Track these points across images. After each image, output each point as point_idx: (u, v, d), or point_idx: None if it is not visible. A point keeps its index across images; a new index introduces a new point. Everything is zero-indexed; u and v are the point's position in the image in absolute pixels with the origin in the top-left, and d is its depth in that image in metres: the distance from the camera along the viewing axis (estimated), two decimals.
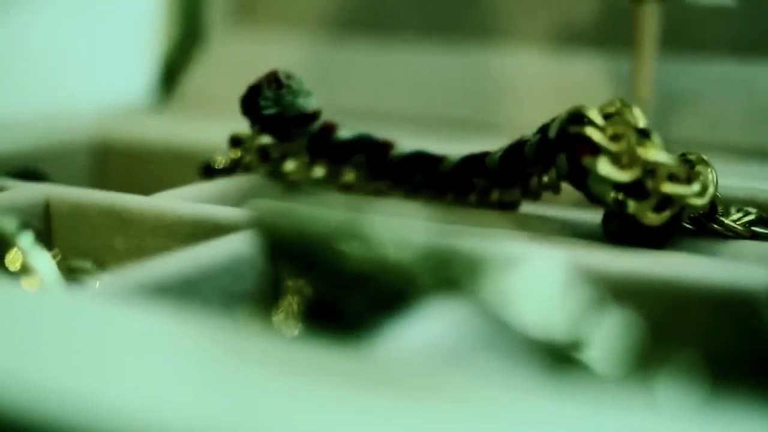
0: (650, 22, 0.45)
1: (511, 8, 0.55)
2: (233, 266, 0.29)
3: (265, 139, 0.39)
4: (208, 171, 0.41)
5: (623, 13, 0.50)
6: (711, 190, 0.31)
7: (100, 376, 0.18)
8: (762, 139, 0.47)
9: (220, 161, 0.41)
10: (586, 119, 0.31)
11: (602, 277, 0.27)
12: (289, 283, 0.27)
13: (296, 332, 0.25)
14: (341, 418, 0.17)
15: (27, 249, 0.27)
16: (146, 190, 0.37)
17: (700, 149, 0.32)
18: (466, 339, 0.22)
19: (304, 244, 0.23)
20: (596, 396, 0.17)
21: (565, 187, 0.33)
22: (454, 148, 0.37)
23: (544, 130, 0.32)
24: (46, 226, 0.35)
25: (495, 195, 0.36)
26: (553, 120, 0.32)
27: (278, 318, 0.26)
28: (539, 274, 0.21)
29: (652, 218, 0.30)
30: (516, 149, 0.34)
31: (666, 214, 0.30)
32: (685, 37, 0.51)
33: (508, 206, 0.36)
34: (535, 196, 0.35)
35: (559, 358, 0.21)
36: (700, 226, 0.33)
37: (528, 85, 0.53)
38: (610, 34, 0.53)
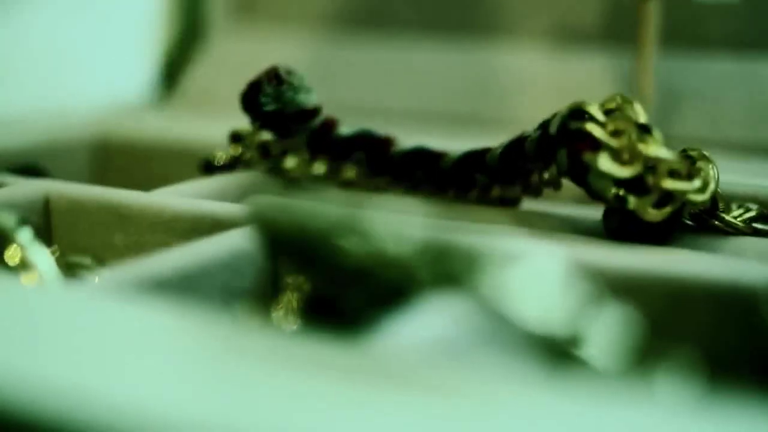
0: (652, 19, 0.45)
1: (513, 5, 0.55)
2: (233, 262, 0.28)
3: (266, 136, 0.39)
4: (208, 167, 0.41)
5: (626, 11, 0.50)
6: (712, 186, 0.31)
7: (98, 371, 0.18)
8: (764, 136, 0.47)
9: (220, 158, 0.41)
10: (587, 115, 0.31)
11: (602, 272, 0.27)
12: (289, 279, 0.27)
13: (295, 328, 0.25)
14: (340, 412, 0.17)
15: (26, 244, 0.27)
16: (146, 187, 0.37)
17: (702, 146, 0.32)
18: (465, 334, 0.22)
19: (303, 239, 0.23)
20: (595, 391, 0.17)
21: (566, 183, 0.33)
22: (456, 144, 0.37)
23: (544, 126, 0.32)
24: (46, 222, 0.35)
25: (496, 191, 0.36)
26: (553, 116, 0.32)
27: (277, 313, 0.25)
28: (539, 270, 0.21)
29: (653, 214, 0.30)
30: (517, 145, 0.34)
31: (667, 210, 0.30)
32: (687, 34, 0.51)
33: (508, 202, 0.36)
34: (535, 192, 0.35)
35: (558, 353, 0.21)
36: (701, 223, 0.33)
37: (530, 83, 0.53)
38: (612, 31, 0.53)
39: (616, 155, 0.30)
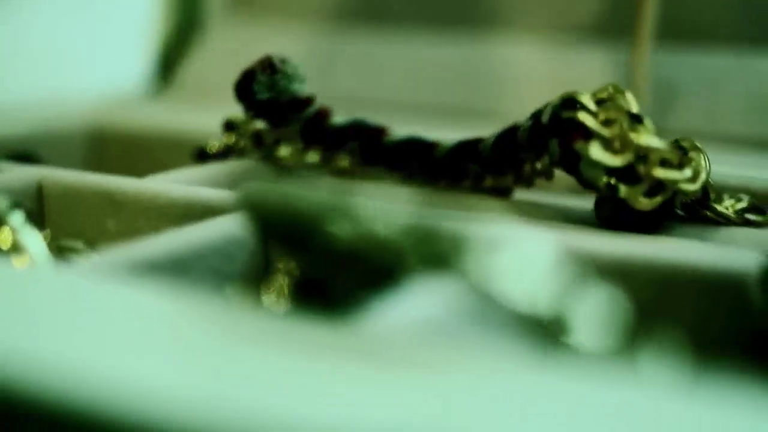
0: (650, 13, 0.45)
1: None
2: (224, 247, 0.29)
3: (259, 125, 0.39)
4: (202, 156, 0.41)
5: (622, 4, 0.50)
6: (703, 176, 0.31)
7: (89, 351, 0.18)
8: (760, 129, 0.47)
9: (214, 146, 0.41)
10: (578, 104, 0.31)
11: (591, 258, 0.27)
12: (280, 263, 0.27)
13: (286, 310, 0.25)
14: (330, 391, 0.17)
15: (18, 227, 0.27)
16: (142, 177, 0.37)
17: (698, 139, 0.32)
18: (455, 316, 0.22)
19: (293, 223, 0.23)
20: (584, 371, 0.17)
21: (559, 174, 0.33)
22: (452, 136, 0.37)
23: (537, 115, 0.32)
24: (39, 208, 0.35)
25: (488, 181, 0.36)
26: (545, 105, 0.32)
27: (268, 297, 0.26)
28: (528, 253, 0.21)
29: (644, 203, 0.30)
30: (509, 135, 0.34)
31: (658, 200, 0.30)
32: (684, 28, 0.51)
33: (501, 192, 0.36)
34: (528, 182, 0.35)
35: (547, 334, 0.21)
36: (693, 213, 0.33)
37: (527, 76, 0.53)
38: (609, 24, 0.53)
39: (607, 144, 0.30)
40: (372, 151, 0.38)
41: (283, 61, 0.38)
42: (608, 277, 0.26)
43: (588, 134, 0.30)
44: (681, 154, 0.31)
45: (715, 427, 0.16)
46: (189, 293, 0.22)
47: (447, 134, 0.38)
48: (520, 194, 0.37)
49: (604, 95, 0.31)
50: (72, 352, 0.18)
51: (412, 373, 0.17)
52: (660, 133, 0.31)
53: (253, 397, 0.16)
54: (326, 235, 0.23)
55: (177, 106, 0.55)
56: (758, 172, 0.37)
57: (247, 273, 0.29)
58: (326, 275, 0.24)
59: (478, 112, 0.53)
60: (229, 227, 0.29)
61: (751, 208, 0.33)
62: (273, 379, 0.17)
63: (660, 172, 0.30)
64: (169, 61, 0.65)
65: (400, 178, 0.38)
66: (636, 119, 0.31)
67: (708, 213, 0.33)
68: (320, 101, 0.38)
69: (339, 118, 0.38)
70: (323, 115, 0.38)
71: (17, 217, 0.28)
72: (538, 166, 0.35)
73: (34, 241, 0.28)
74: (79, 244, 0.30)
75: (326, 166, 0.39)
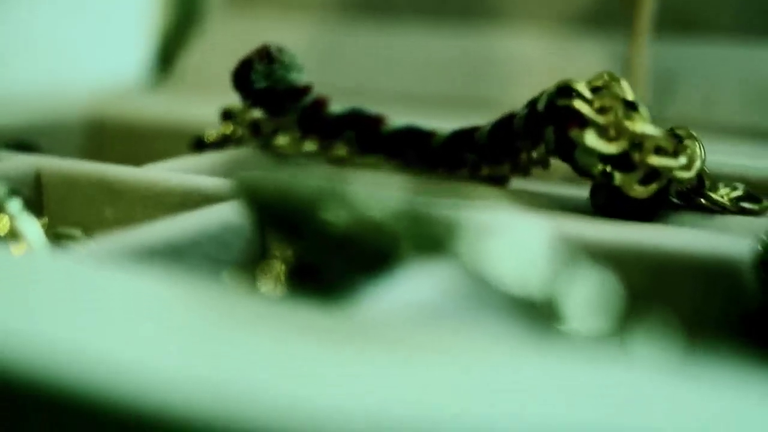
0: (647, 3, 0.45)
1: None
2: (220, 234, 0.29)
3: (257, 114, 0.40)
4: (200, 145, 0.41)
5: None
6: (698, 163, 0.31)
7: (86, 336, 0.18)
8: (758, 119, 0.47)
9: (212, 135, 0.41)
10: (574, 92, 0.31)
11: (585, 244, 0.27)
12: (276, 251, 0.27)
13: (281, 296, 0.25)
14: (326, 374, 0.17)
15: (15, 214, 0.28)
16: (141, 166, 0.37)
17: (695, 129, 0.32)
18: (449, 300, 0.22)
19: (288, 210, 0.24)
20: (578, 353, 0.18)
21: (556, 162, 0.33)
22: (454, 125, 0.37)
23: (532, 103, 0.33)
24: (38, 196, 0.35)
25: (485, 170, 0.36)
26: (541, 93, 0.32)
27: (264, 282, 0.26)
28: (521, 237, 0.21)
29: (639, 191, 0.30)
30: (505, 123, 0.34)
31: (653, 187, 0.30)
32: (682, 18, 0.51)
33: (497, 181, 0.36)
34: (524, 171, 0.36)
35: (541, 318, 0.21)
36: (688, 201, 0.33)
37: (527, 67, 0.53)
38: (607, 15, 0.53)
39: (602, 132, 0.31)
40: (369, 139, 0.38)
41: (280, 50, 0.38)
42: (602, 263, 0.26)
43: (583, 122, 0.31)
44: (676, 141, 0.31)
45: (707, 408, 0.16)
46: (185, 279, 0.22)
47: (448, 124, 0.38)
48: (517, 183, 0.37)
49: (599, 83, 0.31)
50: (69, 336, 0.18)
51: (406, 355, 0.18)
52: (658, 123, 0.31)
53: (249, 379, 0.17)
54: (321, 221, 0.23)
55: (176, 98, 0.56)
56: (754, 161, 0.37)
57: (243, 260, 0.29)
58: (321, 261, 0.24)
59: (478, 103, 0.53)
60: (226, 215, 0.29)
61: (746, 197, 0.34)
62: (268, 361, 0.17)
63: (655, 160, 0.30)
64: (169, 53, 0.65)
65: (397, 167, 0.38)
66: (631, 107, 0.31)
67: (703, 201, 0.33)
68: (321, 93, 0.39)
69: (336, 106, 0.39)
70: (320, 104, 0.38)
71: (15, 205, 0.28)
72: (534, 155, 0.35)
73: (32, 228, 0.28)
74: (76, 232, 0.30)
75: (324, 154, 0.39)
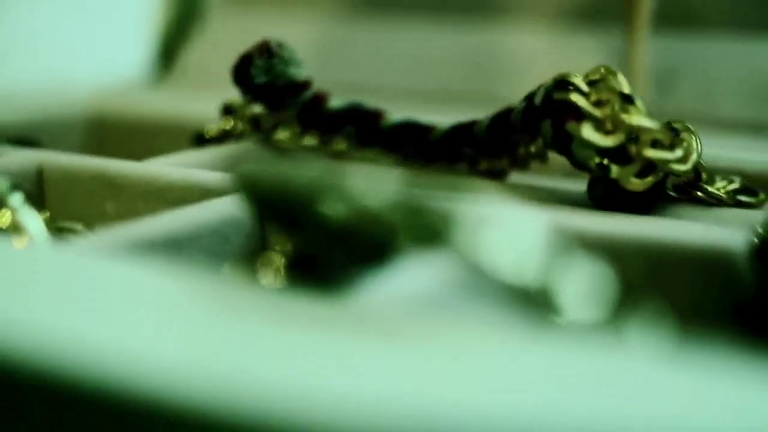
0: None
1: None
2: (220, 228, 0.29)
3: (257, 109, 0.40)
4: (200, 140, 0.41)
5: None
6: (694, 156, 0.31)
7: (87, 326, 0.18)
8: (756, 113, 0.48)
9: (212, 130, 0.41)
10: (571, 86, 0.31)
11: (582, 236, 0.27)
12: (275, 244, 0.27)
13: (281, 288, 0.25)
14: (324, 361, 0.17)
15: (17, 207, 0.28)
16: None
17: (694, 123, 0.32)
18: (447, 291, 0.22)
19: (286, 202, 0.24)
20: (574, 342, 0.18)
21: (555, 156, 0.33)
22: (454, 120, 0.37)
23: (530, 97, 0.33)
24: (39, 191, 0.35)
25: (483, 164, 0.36)
26: (539, 87, 0.32)
27: (264, 276, 0.26)
28: (518, 228, 0.21)
29: (636, 183, 0.31)
30: (503, 117, 0.34)
31: (649, 180, 0.31)
32: (681, 12, 0.51)
33: (496, 175, 0.37)
34: (523, 164, 0.36)
35: (537, 308, 0.21)
36: (685, 194, 0.33)
37: (527, 62, 0.53)
38: (607, 10, 0.53)
39: (599, 125, 0.31)
40: (368, 134, 0.38)
41: (280, 45, 0.38)
42: (600, 255, 0.26)
43: (580, 115, 0.31)
44: (673, 134, 0.31)
45: (703, 396, 0.16)
46: (185, 271, 0.22)
47: (449, 119, 0.38)
48: (516, 177, 0.37)
49: (596, 76, 0.32)
50: (71, 327, 0.18)
51: (404, 344, 0.18)
52: (657, 117, 0.31)
53: (249, 367, 0.17)
54: (319, 214, 0.23)
55: (177, 94, 0.56)
56: (751, 155, 0.37)
57: (243, 253, 0.29)
58: (321, 253, 0.25)
59: (480, 98, 0.53)
60: (226, 209, 0.29)
61: (743, 190, 0.34)
62: (268, 351, 0.17)
63: (651, 153, 0.30)
64: (170, 50, 0.65)
65: (397, 161, 0.38)
66: (628, 100, 0.31)
67: (700, 194, 0.33)
68: (321, 88, 0.39)
69: (336, 101, 0.39)
70: (320, 99, 0.39)
71: (17, 199, 0.28)
72: (533, 148, 0.35)
73: (34, 221, 0.28)
74: (78, 226, 0.31)
75: (324, 149, 0.39)
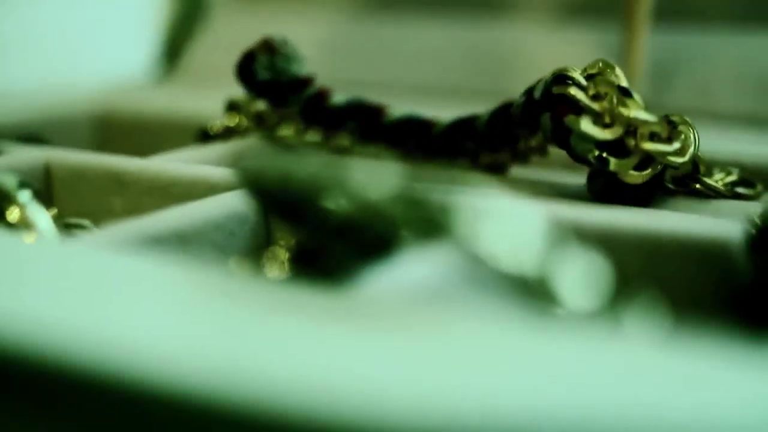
0: None
1: None
2: (225, 222, 0.29)
3: (261, 105, 0.40)
4: (205, 137, 0.42)
5: None
6: (692, 149, 0.32)
7: (93, 317, 0.19)
8: (754, 106, 0.48)
9: (216, 126, 0.41)
10: (569, 80, 0.32)
11: (580, 228, 0.27)
12: (280, 239, 0.28)
13: (285, 280, 0.25)
14: (326, 351, 0.17)
15: (25, 204, 0.28)
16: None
17: (693, 117, 0.33)
18: (449, 283, 0.22)
19: (289, 196, 0.24)
20: (573, 332, 0.18)
21: (556, 150, 0.34)
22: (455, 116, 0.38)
23: (529, 91, 0.33)
24: (47, 188, 0.36)
25: (484, 158, 0.37)
26: (538, 81, 0.33)
27: (268, 268, 0.26)
28: (519, 220, 0.22)
29: (634, 176, 0.31)
30: (503, 111, 0.35)
31: (647, 173, 0.31)
32: (680, 7, 0.51)
33: (497, 169, 0.37)
34: (523, 158, 0.36)
35: (537, 299, 0.21)
36: (684, 187, 0.34)
37: (528, 57, 0.54)
38: (607, 5, 0.53)
39: (597, 118, 0.31)
40: (371, 129, 0.38)
41: (283, 42, 0.38)
42: (598, 247, 0.27)
43: (578, 109, 0.31)
44: (670, 127, 0.32)
45: (699, 383, 0.16)
46: (192, 265, 0.22)
47: (452, 113, 0.38)
48: (517, 171, 0.37)
49: (594, 70, 0.32)
50: (80, 320, 0.19)
51: (405, 334, 0.18)
52: (656, 111, 0.32)
53: (255, 358, 0.17)
54: (322, 208, 0.23)
55: (182, 91, 0.56)
56: (749, 147, 0.38)
57: (248, 247, 0.30)
58: (324, 247, 0.25)
59: (480, 92, 0.53)
60: (231, 204, 0.30)
61: (740, 182, 0.34)
62: (273, 341, 0.18)
63: (649, 145, 0.31)
64: (175, 47, 0.65)
65: (399, 156, 0.38)
66: (626, 93, 0.31)
67: (698, 186, 0.33)
68: (324, 84, 0.39)
69: (339, 97, 0.39)
70: (323, 95, 0.39)
71: (25, 195, 0.29)
72: (533, 142, 0.35)
73: (42, 218, 0.29)
74: (85, 222, 0.31)
75: (327, 144, 0.39)
